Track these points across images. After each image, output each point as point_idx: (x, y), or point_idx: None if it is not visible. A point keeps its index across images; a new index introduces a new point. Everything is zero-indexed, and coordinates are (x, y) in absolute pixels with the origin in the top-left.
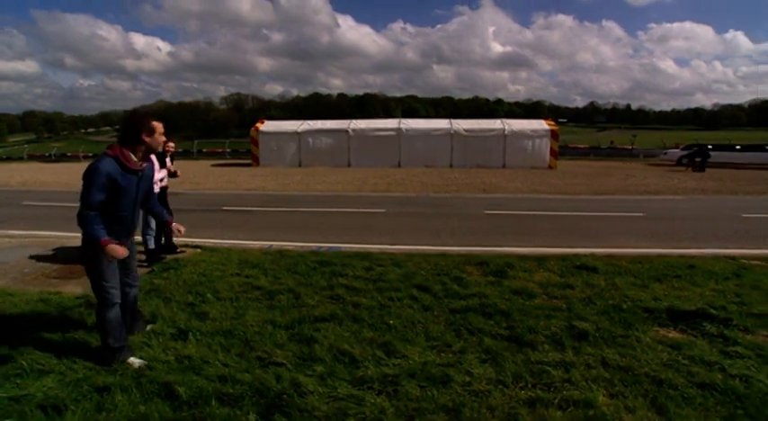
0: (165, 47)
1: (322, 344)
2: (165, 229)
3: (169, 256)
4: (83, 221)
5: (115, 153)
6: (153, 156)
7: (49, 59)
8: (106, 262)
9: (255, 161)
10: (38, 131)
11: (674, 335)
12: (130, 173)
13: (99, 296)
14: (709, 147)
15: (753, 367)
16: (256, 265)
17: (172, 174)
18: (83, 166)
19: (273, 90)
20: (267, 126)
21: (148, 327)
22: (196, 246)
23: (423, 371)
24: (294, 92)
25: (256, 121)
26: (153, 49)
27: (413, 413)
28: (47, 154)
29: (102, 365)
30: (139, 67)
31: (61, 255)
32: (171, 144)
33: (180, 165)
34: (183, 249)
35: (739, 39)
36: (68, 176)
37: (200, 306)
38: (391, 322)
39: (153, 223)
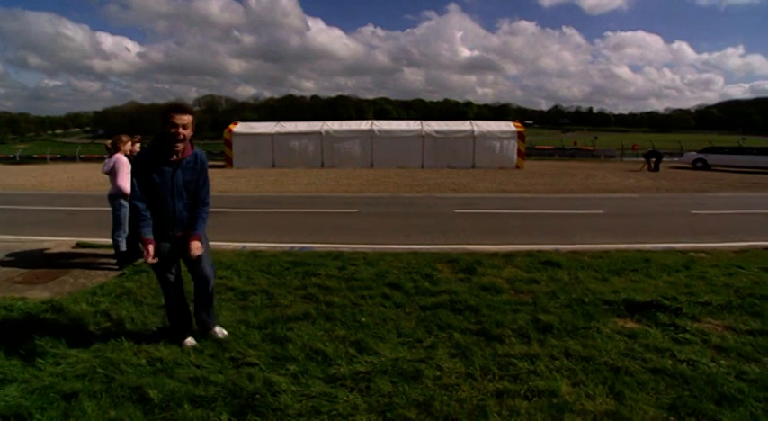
0: (134, 47)
1: (295, 343)
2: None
3: (140, 260)
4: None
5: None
6: (124, 157)
7: (11, 58)
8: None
9: (229, 163)
10: (1, 132)
11: (630, 325)
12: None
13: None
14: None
15: (698, 352)
16: (229, 266)
17: None
18: (50, 169)
19: (246, 92)
20: (241, 128)
21: (218, 332)
22: None
23: (394, 367)
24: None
25: (230, 123)
26: (121, 49)
27: (385, 408)
28: (11, 155)
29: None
30: (108, 67)
31: (26, 260)
32: (128, 143)
33: None
34: None
35: (684, 48)
36: (34, 178)
37: None
38: (363, 320)
39: (126, 225)
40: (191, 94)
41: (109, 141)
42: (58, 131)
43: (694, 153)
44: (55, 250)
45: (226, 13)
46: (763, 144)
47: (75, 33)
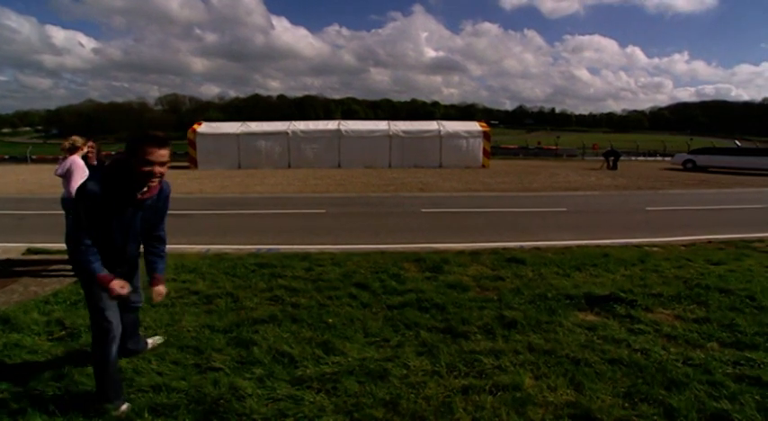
0: (88, 43)
1: (261, 346)
2: None
3: None
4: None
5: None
6: (80, 160)
7: None
8: None
9: (193, 164)
10: None
11: (590, 318)
12: None
13: (95, 327)
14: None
15: (651, 341)
16: (193, 270)
17: None
18: None
19: (210, 91)
20: (205, 128)
21: (150, 343)
22: None
23: (361, 367)
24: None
25: (194, 123)
26: (74, 44)
27: (352, 409)
28: None
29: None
30: (60, 63)
31: None
32: (91, 143)
33: None
34: None
35: (637, 53)
36: None
37: None
38: (330, 321)
39: None
40: (152, 92)
41: (67, 142)
42: (6, 130)
43: (684, 154)
44: (2, 257)
45: (186, 10)
46: (708, 145)
47: (20, 25)
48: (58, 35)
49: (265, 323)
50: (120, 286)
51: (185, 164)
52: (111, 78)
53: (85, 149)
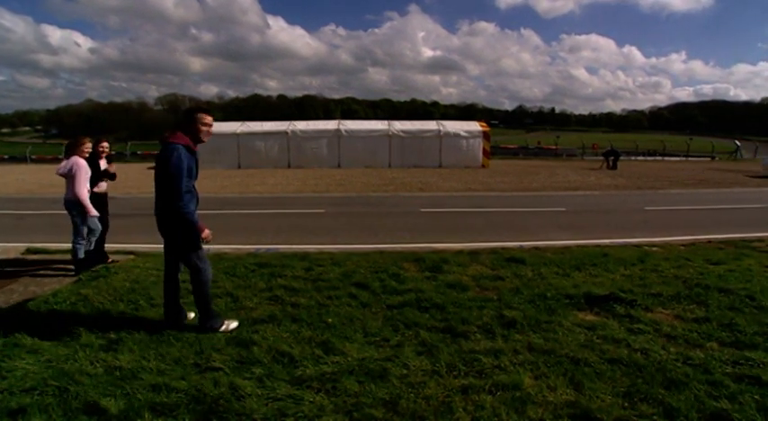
0: (85, 42)
1: (261, 345)
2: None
3: (99, 266)
4: (177, 207)
5: (179, 139)
6: (85, 162)
7: None
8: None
9: None
10: None
11: (590, 318)
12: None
13: (197, 265)
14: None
15: (651, 340)
16: None
17: (111, 176)
18: None
19: (209, 91)
20: None
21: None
22: (129, 253)
23: (361, 367)
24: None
25: None
26: (71, 43)
27: (351, 408)
28: None
29: (207, 332)
30: (57, 62)
31: None
32: (104, 144)
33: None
34: (116, 259)
35: (634, 53)
36: None
37: (132, 314)
38: (330, 320)
39: (84, 231)
40: (150, 92)
41: (68, 142)
42: (5, 130)
43: None
44: (2, 257)
45: (180, 9)
46: (708, 145)
47: (15, 25)
48: (54, 34)
49: (265, 323)
50: (210, 232)
51: None
52: (109, 78)
53: (89, 148)
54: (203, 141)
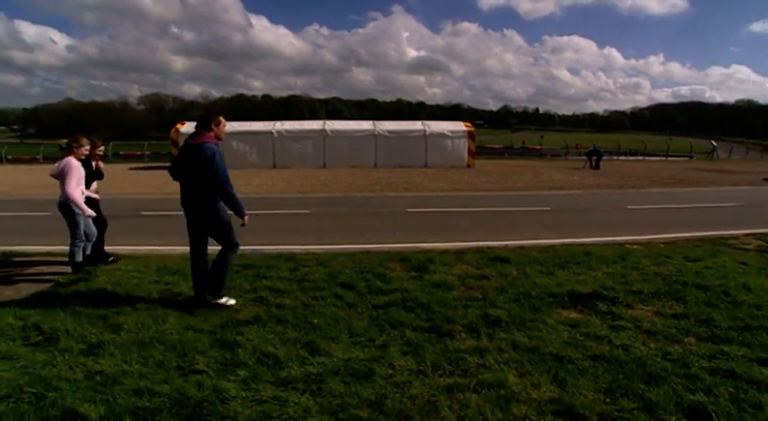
0: (62, 39)
1: (245, 347)
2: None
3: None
4: (230, 194)
5: (211, 139)
6: (78, 163)
7: None
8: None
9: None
10: None
11: (573, 315)
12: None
13: (232, 246)
14: None
15: (632, 337)
16: (177, 271)
17: (99, 175)
18: None
19: (192, 90)
20: (188, 127)
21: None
22: (110, 254)
23: (346, 368)
24: (214, 93)
25: (177, 123)
26: (46, 40)
27: (337, 409)
28: None
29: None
30: (32, 60)
31: None
32: (101, 148)
33: None
34: (115, 257)
35: (614, 54)
36: None
37: (114, 317)
38: (315, 321)
39: (80, 233)
40: (132, 91)
41: (64, 141)
42: None
43: None
44: None
45: (160, 6)
46: (686, 145)
47: None
48: (29, 31)
49: (250, 324)
50: (248, 216)
51: (169, 164)
52: (89, 76)
53: (85, 150)
54: (222, 140)
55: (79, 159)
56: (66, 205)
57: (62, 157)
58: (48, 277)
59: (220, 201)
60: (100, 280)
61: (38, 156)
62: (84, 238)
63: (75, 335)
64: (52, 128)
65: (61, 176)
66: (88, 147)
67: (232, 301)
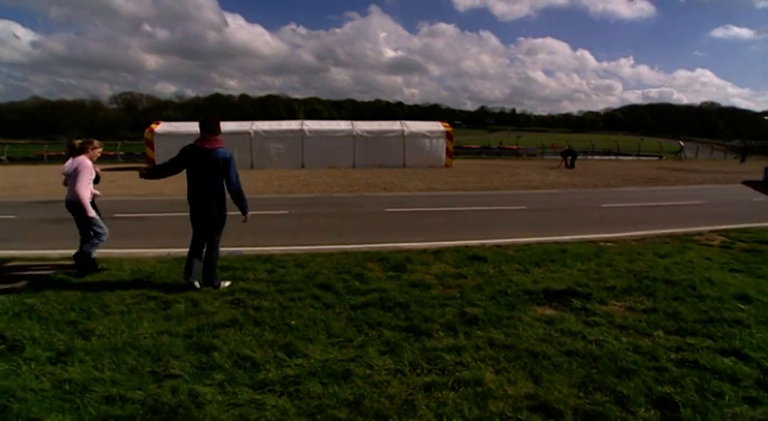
0: (25, 35)
1: (221, 350)
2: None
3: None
4: (242, 194)
5: (222, 143)
6: (91, 163)
7: None
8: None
9: (152, 165)
10: None
11: (549, 312)
12: None
13: (220, 238)
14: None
15: (605, 332)
16: (151, 274)
17: (97, 177)
18: None
19: (166, 89)
20: (163, 127)
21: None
22: None
23: (324, 369)
24: (189, 92)
25: (151, 122)
26: (8, 35)
27: (314, 411)
28: None
29: (214, 287)
30: None
31: None
32: (99, 149)
33: None
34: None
35: (587, 56)
36: None
37: (84, 323)
38: (293, 323)
39: (104, 227)
40: (103, 90)
41: (78, 141)
42: None
43: None
44: None
45: (131, 3)
46: (656, 145)
47: None
48: None
49: (226, 327)
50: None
51: (143, 165)
52: (56, 74)
53: (97, 153)
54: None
55: (92, 160)
56: (72, 203)
57: (73, 157)
58: (12, 283)
59: (225, 200)
60: (71, 284)
61: (2, 157)
62: (106, 232)
63: (41, 342)
64: (18, 126)
65: (74, 175)
66: (101, 149)
67: (227, 283)
